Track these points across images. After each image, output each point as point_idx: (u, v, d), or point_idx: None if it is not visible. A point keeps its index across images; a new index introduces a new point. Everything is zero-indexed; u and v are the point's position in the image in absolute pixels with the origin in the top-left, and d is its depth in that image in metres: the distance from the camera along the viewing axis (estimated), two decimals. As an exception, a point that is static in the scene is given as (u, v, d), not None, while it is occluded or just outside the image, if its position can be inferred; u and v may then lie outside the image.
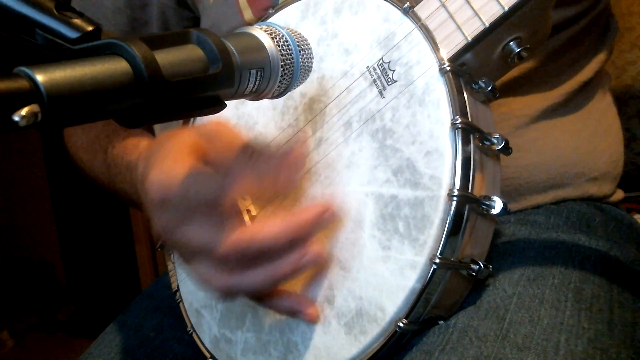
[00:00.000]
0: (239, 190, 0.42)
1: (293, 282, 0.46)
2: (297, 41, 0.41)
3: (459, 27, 0.43)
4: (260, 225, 0.42)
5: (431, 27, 0.44)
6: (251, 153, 0.46)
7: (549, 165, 0.60)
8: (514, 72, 0.48)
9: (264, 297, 0.46)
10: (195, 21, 0.72)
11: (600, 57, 0.65)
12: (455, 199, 0.41)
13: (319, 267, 0.47)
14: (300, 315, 0.46)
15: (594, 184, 0.63)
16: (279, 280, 0.43)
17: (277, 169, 0.43)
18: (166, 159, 0.43)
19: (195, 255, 0.43)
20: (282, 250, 0.42)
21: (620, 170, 0.66)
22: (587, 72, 0.63)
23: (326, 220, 0.43)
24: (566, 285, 0.48)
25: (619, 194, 0.67)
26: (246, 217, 0.50)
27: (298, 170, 0.44)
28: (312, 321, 0.46)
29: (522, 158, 0.59)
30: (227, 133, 0.47)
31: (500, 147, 0.43)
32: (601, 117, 0.65)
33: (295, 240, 0.42)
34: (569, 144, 0.61)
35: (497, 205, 0.42)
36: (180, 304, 0.60)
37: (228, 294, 0.44)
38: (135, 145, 0.57)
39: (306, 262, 0.43)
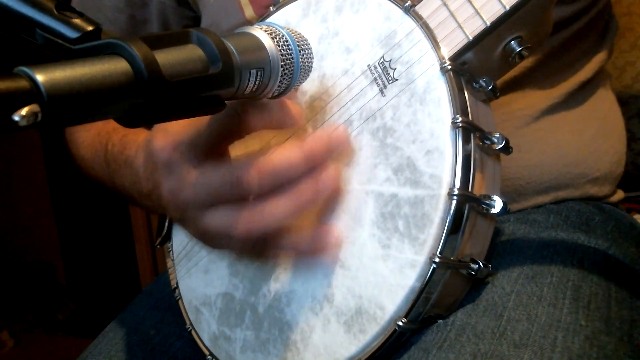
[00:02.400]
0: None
1: None
2: (297, 41, 0.41)
3: (460, 26, 0.43)
4: (276, 150, 0.41)
5: (432, 25, 0.44)
6: None
7: (550, 166, 0.60)
8: (514, 71, 0.48)
9: (283, 235, 0.44)
10: (196, 20, 0.72)
11: (600, 57, 0.65)
12: (455, 198, 0.41)
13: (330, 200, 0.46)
14: (325, 242, 0.45)
15: (595, 184, 0.63)
16: (302, 207, 0.42)
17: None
18: (168, 126, 0.43)
19: (213, 200, 0.42)
20: (301, 173, 0.41)
21: (621, 171, 0.66)
22: (587, 72, 0.63)
23: (339, 142, 0.43)
24: (564, 283, 0.48)
25: (619, 194, 0.67)
26: None
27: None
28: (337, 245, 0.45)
29: (523, 158, 0.59)
30: None
31: (500, 146, 0.43)
32: (605, 117, 0.65)
33: (312, 164, 0.41)
34: (572, 144, 0.61)
35: (497, 204, 0.42)
36: (179, 301, 0.60)
37: (250, 235, 0.42)
38: (134, 141, 0.57)
39: (326, 184, 0.42)
